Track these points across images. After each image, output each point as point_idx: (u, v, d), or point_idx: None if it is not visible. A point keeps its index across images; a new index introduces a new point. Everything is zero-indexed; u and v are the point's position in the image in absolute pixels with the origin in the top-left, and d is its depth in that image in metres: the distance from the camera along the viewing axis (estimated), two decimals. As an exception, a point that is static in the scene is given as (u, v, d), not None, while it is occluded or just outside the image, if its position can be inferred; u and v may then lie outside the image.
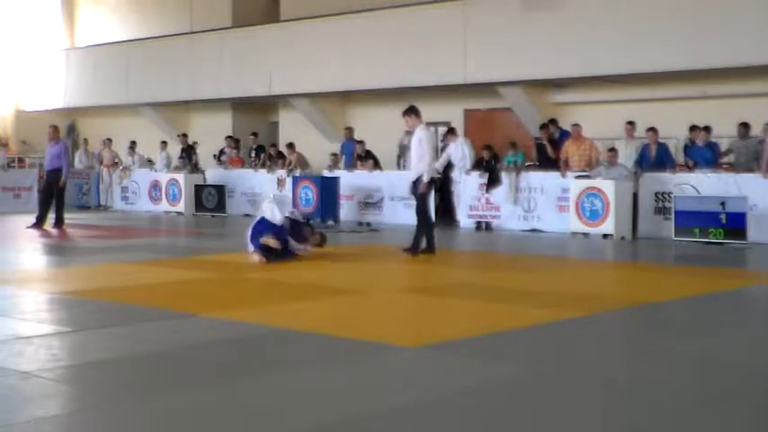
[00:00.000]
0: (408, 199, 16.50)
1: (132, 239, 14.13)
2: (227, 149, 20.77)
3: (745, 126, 13.98)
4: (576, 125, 15.15)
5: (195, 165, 20.68)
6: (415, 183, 11.26)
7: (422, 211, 11.28)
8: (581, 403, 4.57)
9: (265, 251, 10.28)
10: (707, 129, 14.24)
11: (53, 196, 15.75)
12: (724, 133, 14.67)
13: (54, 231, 15.05)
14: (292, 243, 10.57)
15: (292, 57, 20.22)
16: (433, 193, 11.42)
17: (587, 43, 16.06)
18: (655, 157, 14.34)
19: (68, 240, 13.83)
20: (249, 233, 10.58)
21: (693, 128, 14.58)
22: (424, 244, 11.23)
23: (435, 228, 11.55)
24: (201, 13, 23.48)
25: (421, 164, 11.05)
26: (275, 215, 10.55)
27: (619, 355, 5.90)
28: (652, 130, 14.41)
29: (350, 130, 18.99)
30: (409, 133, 17.69)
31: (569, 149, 14.99)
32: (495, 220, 15.49)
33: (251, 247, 10.48)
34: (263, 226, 10.45)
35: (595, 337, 6.41)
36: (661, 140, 14.58)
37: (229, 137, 21.19)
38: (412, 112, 11.24)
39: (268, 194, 18.74)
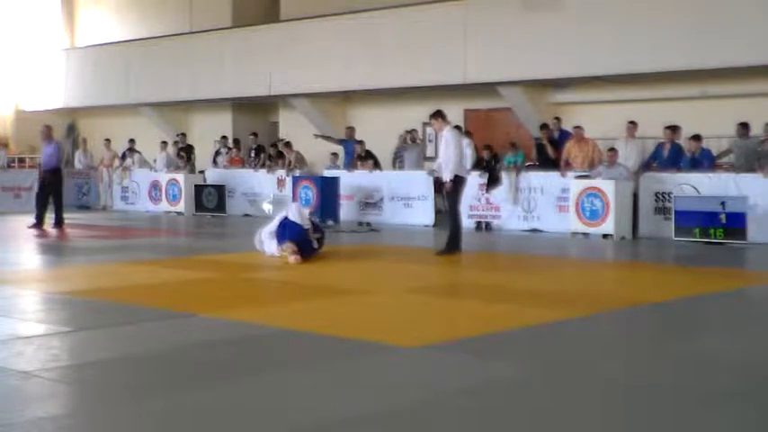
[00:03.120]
0: (407, 199, 16.60)
1: (132, 239, 14.13)
2: (222, 150, 20.79)
3: (744, 126, 13.97)
4: (577, 127, 15.17)
5: (192, 165, 20.70)
6: (443, 184, 11.44)
7: (451, 210, 11.47)
8: (581, 403, 4.57)
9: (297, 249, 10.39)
10: (697, 137, 14.16)
11: (49, 195, 15.64)
12: (724, 133, 14.67)
13: (53, 231, 15.01)
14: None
15: (292, 57, 20.21)
16: (460, 193, 11.57)
17: (587, 43, 16.06)
18: (668, 157, 14.33)
19: (68, 240, 13.82)
20: (268, 234, 10.63)
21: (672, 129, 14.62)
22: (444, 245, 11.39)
23: (459, 229, 11.58)
24: (201, 13, 23.47)
25: (449, 165, 11.20)
26: (303, 217, 10.70)
27: (619, 355, 5.90)
28: (670, 128, 14.40)
29: (351, 129, 18.98)
30: (405, 134, 17.86)
31: (572, 151, 15.01)
32: (495, 220, 15.48)
33: (271, 248, 10.54)
34: (288, 229, 10.49)
35: (595, 337, 6.41)
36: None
37: (224, 137, 21.21)
38: (438, 115, 11.43)
39: (268, 194, 18.82)
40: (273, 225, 10.76)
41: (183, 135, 21.73)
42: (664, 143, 14.51)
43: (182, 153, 20.93)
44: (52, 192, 15.66)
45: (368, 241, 13.88)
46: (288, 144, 19.12)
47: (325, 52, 19.60)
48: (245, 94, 21.60)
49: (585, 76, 16.52)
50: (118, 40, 25.21)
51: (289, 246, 10.31)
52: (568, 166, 14.90)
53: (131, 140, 22.45)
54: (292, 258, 10.22)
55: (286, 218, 10.66)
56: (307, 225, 10.64)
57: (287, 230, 10.48)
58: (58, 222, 15.53)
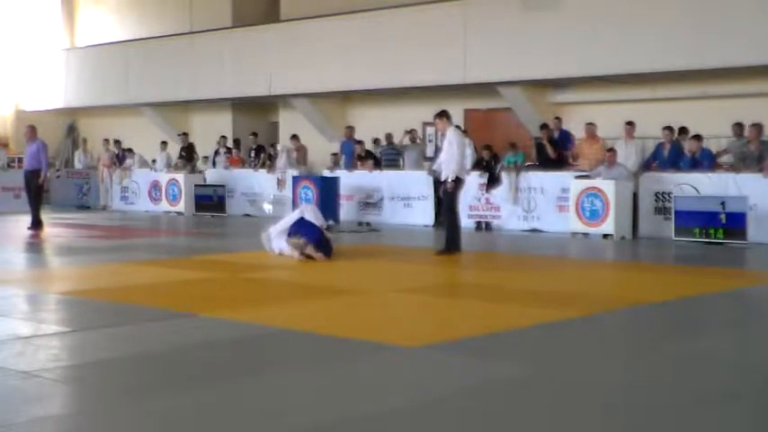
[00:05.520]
0: (407, 199, 16.60)
1: (132, 239, 14.13)
2: (221, 150, 20.80)
3: (739, 126, 13.98)
4: (590, 124, 15.22)
5: (194, 166, 20.72)
6: (443, 183, 11.53)
7: (448, 209, 11.59)
8: (581, 403, 4.57)
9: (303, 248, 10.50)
10: (698, 137, 14.15)
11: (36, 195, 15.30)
12: (724, 133, 14.66)
13: (30, 233, 14.61)
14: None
15: (292, 57, 20.21)
16: (459, 193, 11.77)
17: (587, 43, 16.05)
18: (668, 157, 14.33)
19: (68, 240, 13.80)
20: (278, 232, 10.69)
21: (682, 130, 14.61)
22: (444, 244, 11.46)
23: (458, 229, 11.63)
24: (201, 13, 23.46)
25: (450, 164, 11.30)
26: (318, 217, 10.91)
27: (619, 355, 5.90)
28: (668, 128, 14.42)
29: (350, 129, 18.98)
30: (404, 134, 17.90)
31: (583, 148, 15.08)
32: (495, 220, 15.48)
33: (279, 246, 10.59)
34: (305, 228, 10.55)
35: (595, 337, 6.41)
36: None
37: (223, 137, 21.24)
38: (443, 115, 11.56)
39: (268, 194, 18.82)
40: (285, 223, 10.81)
41: (186, 134, 21.74)
42: (663, 143, 14.52)
43: (182, 153, 20.94)
44: (32, 192, 15.29)
45: (368, 241, 13.88)
46: (295, 136, 19.07)
47: (326, 52, 19.60)
48: (245, 94, 21.60)
49: (585, 76, 16.51)
50: (118, 40, 25.21)
51: (309, 246, 10.41)
52: (576, 165, 14.95)
53: (117, 141, 22.64)
54: (318, 255, 10.38)
55: (302, 218, 10.72)
56: (322, 222, 10.85)
57: (304, 230, 10.55)
58: (35, 224, 15.03)
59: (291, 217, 10.92)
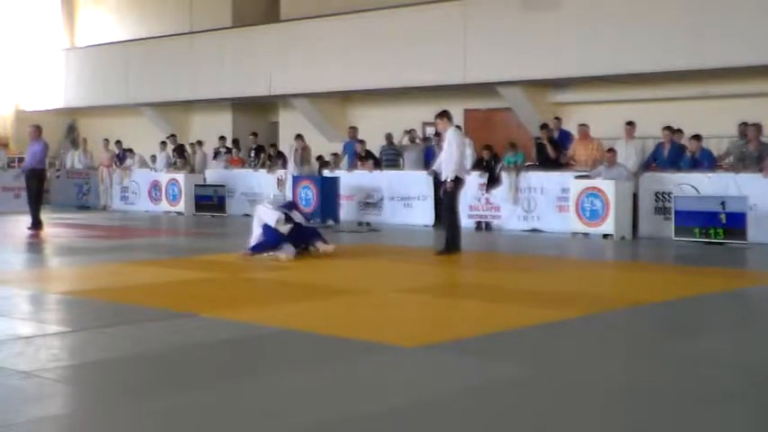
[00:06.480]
0: (407, 199, 16.60)
1: (132, 239, 14.13)
2: (221, 150, 20.80)
3: (745, 126, 13.97)
4: (583, 125, 15.23)
5: (193, 166, 20.74)
6: (443, 182, 11.54)
7: (448, 209, 11.61)
8: (581, 403, 4.57)
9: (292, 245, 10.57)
10: (698, 137, 14.13)
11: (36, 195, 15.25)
12: (724, 133, 14.67)
13: (29, 233, 14.54)
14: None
15: (292, 57, 20.22)
16: (459, 193, 11.80)
17: (587, 43, 16.05)
18: (668, 157, 14.33)
19: (68, 240, 13.80)
20: (258, 241, 10.71)
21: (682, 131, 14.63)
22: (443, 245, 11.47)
23: (458, 229, 11.64)
24: (201, 13, 23.47)
25: (450, 165, 11.32)
26: (270, 216, 10.77)
27: (619, 355, 5.90)
28: (668, 128, 14.42)
29: (354, 129, 18.95)
30: (403, 134, 17.89)
31: (577, 149, 15.06)
32: (495, 220, 15.48)
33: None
34: (267, 235, 10.58)
35: (595, 337, 6.41)
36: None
37: (222, 138, 21.23)
38: (444, 115, 11.60)
39: (268, 194, 18.79)
40: (257, 234, 10.82)
41: (174, 136, 21.81)
42: (663, 143, 14.52)
43: (174, 153, 20.99)
44: (32, 192, 15.20)
45: (368, 241, 13.88)
46: (300, 136, 19.00)
47: (326, 52, 19.60)
48: (245, 94, 21.61)
49: (585, 76, 16.52)
50: (118, 40, 25.22)
51: (281, 256, 10.49)
52: (572, 166, 14.94)
53: (118, 142, 22.67)
54: (283, 257, 10.44)
55: (266, 224, 10.73)
56: (278, 215, 10.72)
57: (268, 236, 10.59)
58: (35, 224, 14.92)
59: (257, 225, 10.89)
